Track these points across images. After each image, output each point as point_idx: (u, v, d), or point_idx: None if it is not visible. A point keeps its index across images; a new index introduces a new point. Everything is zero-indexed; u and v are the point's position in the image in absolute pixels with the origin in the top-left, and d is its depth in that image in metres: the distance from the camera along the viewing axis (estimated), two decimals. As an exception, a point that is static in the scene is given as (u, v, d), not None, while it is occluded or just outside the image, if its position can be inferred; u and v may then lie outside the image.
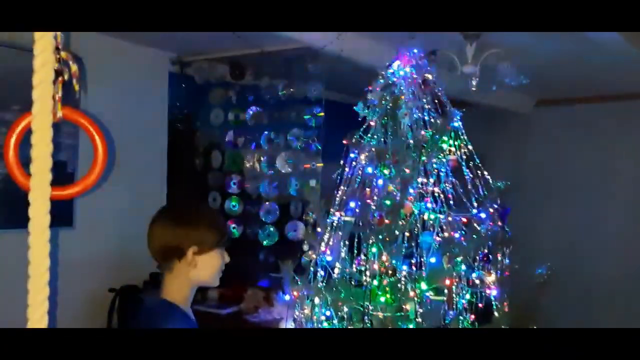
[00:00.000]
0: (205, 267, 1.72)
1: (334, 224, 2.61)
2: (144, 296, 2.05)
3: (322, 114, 3.63)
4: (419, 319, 2.43)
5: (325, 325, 2.54)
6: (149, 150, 4.11)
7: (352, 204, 2.54)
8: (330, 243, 2.61)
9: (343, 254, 2.57)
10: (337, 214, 2.58)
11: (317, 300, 2.53)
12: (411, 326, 2.44)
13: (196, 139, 4.19)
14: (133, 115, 3.94)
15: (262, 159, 3.89)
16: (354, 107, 2.64)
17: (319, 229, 2.71)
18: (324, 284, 2.55)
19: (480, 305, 2.47)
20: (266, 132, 3.84)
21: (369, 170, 2.59)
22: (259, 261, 3.79)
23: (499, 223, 2.55)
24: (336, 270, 2.57)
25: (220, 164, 4.08)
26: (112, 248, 4.00)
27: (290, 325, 2.73)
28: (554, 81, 4.27)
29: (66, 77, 1.02)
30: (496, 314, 2.41)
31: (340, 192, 2.62)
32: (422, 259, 2.54)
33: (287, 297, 2.58)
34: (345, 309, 2.52)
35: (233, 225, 4.02)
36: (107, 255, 3.98)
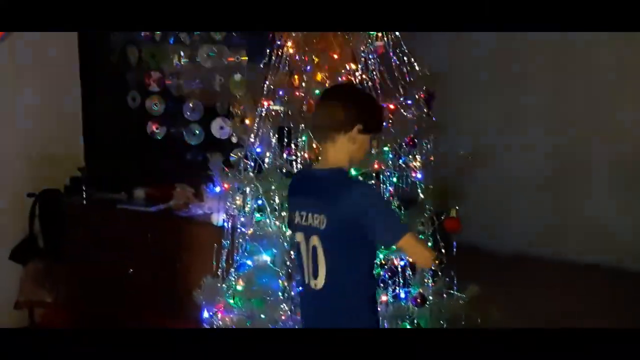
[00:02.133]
0: (361, 146, 1.84)
1: (263, 114, 2.58)
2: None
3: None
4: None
5: (257, 216, 2.57)
6: (60, 46, 3.83)
7: (280, 92, 2.51)
8: (260, 134, 2.59)
9: (273, 144, 2.56)
10: (266, 103, 2.54)
11: (248, 190, 2.54)
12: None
13: (110, 34, 3.91)
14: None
15: (182, 53, 3.71)
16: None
17: (247, 122, 2.67)
18: (254, 175, 2.55)
19: (406, 188, 2.58)
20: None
21: (297, 58, 2.54)
22: (185, 160, 3.72)
23: (425, 109, 2.60)
24: (266, 161, 2.57)
25: (138, 60, 3.86)
26: (27, 150, 3.79)
27: (222, 217, 2.74)
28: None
29: None
30: (421, 195, 2.52)
31: (267, 82, 2.57)
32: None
33: (217, 189, 2.57)
34: (277, 200, 2.56)
35: (156, 127, 3.89)
36: (24, 159, 3.77)
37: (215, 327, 2.32)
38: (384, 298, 2.54)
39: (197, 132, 3.68)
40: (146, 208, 3.37)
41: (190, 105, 3.73)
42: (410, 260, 2.00)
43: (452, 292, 2.46)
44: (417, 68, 2.56)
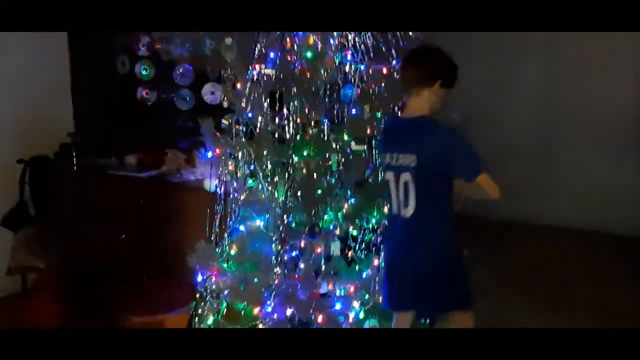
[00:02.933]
0: (439, 99, 2.19)
1: (254, 79, 2.55)
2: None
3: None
4: (341, 169, 2.51)
5: (250, 182, 2.56)
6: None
7: (271, 55, 2.47)
8: (251, 98, 2.57)
9: (264, 109, 2.54)
10: (257, 67, 2.51)
11: (239, 155, 2.53)
12: (332, 180, 2.51)
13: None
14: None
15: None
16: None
17: (238, 86, 2.64)
18: (246, 140, 2.53)
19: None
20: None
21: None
22: (176, 126, 3.68)
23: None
24: (258, 126, 2.55)
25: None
26: (17, 118, 3.74)
27: (214, 183, 2.73)
28: None
29: None
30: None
31: (258, 45, 2.53)
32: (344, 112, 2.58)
33: (209, 155, 2.56)
34: (269, 165, 2.55)
35: (146, 92, 3.83)
36: (12, 125, 3.72)
37: (209, 291, 2.34)
38: (375, 262, 2.58)
39: (188, 97, 3.63)
40: (137, 174, 3.35)
41: (180, 70, 3.68)
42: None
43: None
44: (410, 32, 2.53)
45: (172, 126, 3.66)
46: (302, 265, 2.42)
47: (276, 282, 2.38)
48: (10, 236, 3.73)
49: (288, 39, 2.48)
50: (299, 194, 2.47)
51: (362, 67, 2.56)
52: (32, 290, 3.76)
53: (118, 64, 3.86)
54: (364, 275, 2.55)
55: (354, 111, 2.59)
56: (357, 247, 2.57)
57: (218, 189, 2.58)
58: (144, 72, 3.79)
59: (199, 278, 2.40)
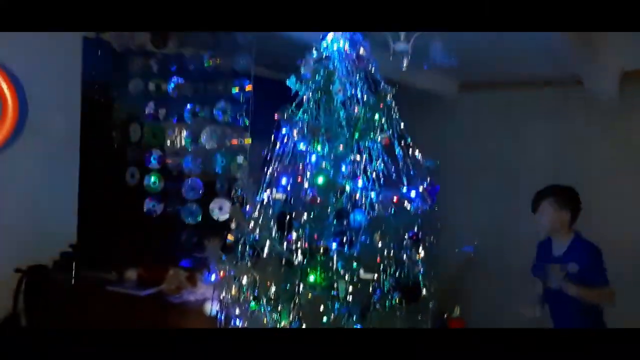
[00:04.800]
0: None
1: (264, 202, 2.53)
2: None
3: (250, 87, 3.50)
4: (349, 298, 2.42)
5: (253, 304, 2.46)
6: (61, 120, 3.82)
7: (284, 180, 2.47)
8: (260, 222, 2.53)
9: (273, 233, 2.49)
10: (268, 191, 2.50)
11: (244, 280, 2.45)
12: (338, 307, 2.42)
13: (113, 110, 3.92)
14: (44, 81, 3.64)
15: (184, 133, 3.71)
16: (286, 81, 2.55)
17: (247, 207, 2.62)
18: (251, 263, 2.47)
19: (408, 284, 2.49)
20: (190, 105, 3.66)
21: (301, 146, 2.52)
22: (180, 241, 3.63)
23: (428, 200, 2.56)
24: (265, 249, 2.49)
25: (140, 137, 3.85)
26: (20, 223, 3.69)
27: (216, 307, 2.63)
28: (476, 64, 4.37)
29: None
30: (424, 292, 2.43)
31: (270, 169, 2.54)
32: (353, 238, 2.52)
33: (212, 277, 2.48)
34: (273, 289, 2.46)
35: (152, 203, 3.83)
36: (13, 231, 3.67)
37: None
38: None
39: (195, 211, 3.61)
40: (136, 291, 3.24)
41: (189, 183, 3.69)
42: None
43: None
44: (421, 160, 2.54)
45: (177, 241, 3.60)
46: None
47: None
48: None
49: (301, 165, 2.48)
50: (303, 320, 2.36)
51: (373, 194, 2.55)
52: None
53: (127, 176, 3.90)
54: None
55: (363, 238, 2.54)
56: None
57: (219, 314, 2.47)
58: (152, 185, 3.81)
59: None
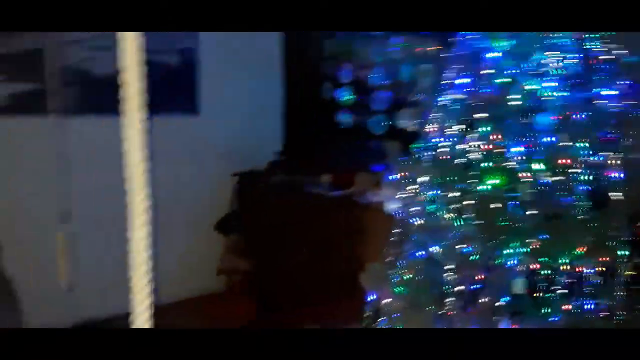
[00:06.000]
0: None
1: (445, 104, 2.53)
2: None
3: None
4: (528, 200, 2.34)
5: (430, 207, 2.53)
6: (265, 41, 4.19)
7: (464, 80, 2.43)
8: (440, 124, 2.55)
9: (454, 134, 2.49)
10: (448, 92, 2.49)
11: (423, 180, 2.52)
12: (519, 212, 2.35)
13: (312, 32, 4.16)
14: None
15: (372, 46, 3.78)
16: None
17: (428, 111, 2.64)
18: (431, 165, 2.52)
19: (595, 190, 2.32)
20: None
21: (482, 44, 2.43)
22: (369, 149, 3.80)
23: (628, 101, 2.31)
24: (444, 152, 2.51)
25: (333, 53, 4.04)
26: (234, 135, 4.22)
27: (396, 205, 2.75)
28: None
29: None
30: (615, 196, 2.24)
31: (450, 70, 2.51)
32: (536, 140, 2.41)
33: (392, 177, 2.59)
34: (452, 192, 2.49)
35: (345, 115, 4.03)
36: (228, 142, 4.22)
37: (378, 312, 2.35)
38: (565, 307, 2.33)
39: (382, 121, 3.72)
40: (330, 192, 3.53)
41: (378, 96, 3.79)
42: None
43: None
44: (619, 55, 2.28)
45: (366, 149, 3.78)
46: (478, 300, 2.30)
47: (449, 313, 2.30)
48: (222, 240, 4.21)
49: (483, 64, 2.41)
50: (480, 223, 2.36)
51: (561, 94, 2.37)
52: (234, 291, 4.18)
53: (324, 89, 4.16)
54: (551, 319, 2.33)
55: (550, 139, 2.40)
56: (546, 288, 2.36)
57: (398, 213, 2.59)
58: (344, 98, 4.00)
59: (370, 298, 2.43)
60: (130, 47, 0.91)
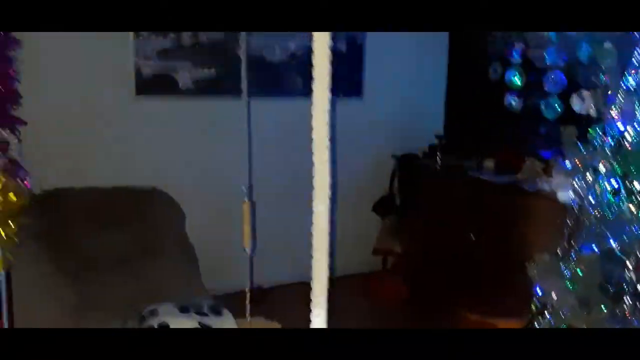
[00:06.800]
0: None
1: (631, 87, 2.30)
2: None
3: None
4: None
5: (610, 198, 2.33)
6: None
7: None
8: (625, 108, 2.33)
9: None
10: (633, 72, 2.26)
11: (602, 169, 2.33)
12: None
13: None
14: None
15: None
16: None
17: (610, 94, 2.43)
18: (612, 153, 2.32)
19: None
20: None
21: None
22: (539, 134, 3.59)
23: None
24: (629, 139, 2.30)
25: (503, 32, 3.86)
26: (395, 117, 4.25)
27: (570, 195, 2.58)
28: None
29: None
30: None
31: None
32: None
33: (568, 164, 2.43)
34: (636, 184, 2.27)
35: (513, 97, 3.85)
36: (389, 125, 4.25)
37: (547, 306, 2.24)
38: None
39: (556, 105, 3.50)
40: (494, 178, 3.41)
41: (552, 77, 3.56)
42: None
43: None
44: None
45: (535, 134, 3.59)
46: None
47: (626, 314, 2.12)
48: (379, 221, 4.27)
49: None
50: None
51: None
52: (388, 271, 4.24)
53: (491, 70, 4.00)
54: None
55: None
56: None
57: (573, 203, 2.43)
58: (514, 79, 3.81)
59: (538, 291, 2.33)
60: (321, 35, 0.96)
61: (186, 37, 3.59)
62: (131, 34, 3.42)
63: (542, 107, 3.62)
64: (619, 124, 2.33)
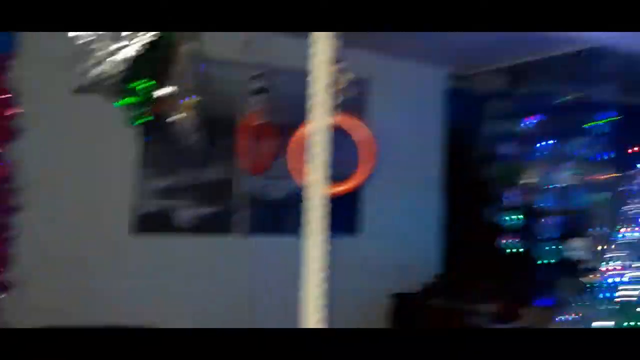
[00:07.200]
0: None
1: (622, 242, 2.32)
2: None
3: (616, 118, 3.26)
4: None
5: None
6: (425, 164, 4.24)
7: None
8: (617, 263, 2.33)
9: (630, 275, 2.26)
10: (625, 229, 2.29)
11: (597, 325, 2.28)
12: None
13: (473, 151, 4.16)
14: (410, 130, 4.10)
15: (542, 170, 3.66)
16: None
17: (604, 247, 2.44)
18: (607, 307, 2.28)
19: None
20: (547, 142, 3.60)
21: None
22: (535, 279, 3.55)
23: None
24: (623, 293, 2.27)
25: (498, 176, 3.97)
26: (390, 255, 4.22)
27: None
28: None
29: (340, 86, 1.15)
30: None
31: (630, 206, 2.32)
32: None
33: (564, 318, 2.38)
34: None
35: (511, 240, 3.87)
36: (385, 263, 4.21)
37: None
38: None
39: (551, 250, 3.51)
40: (491, 324, 3.31)
41: (549, 222, 3.61)
42: None
43: None
44: None
45: (531, 279, 3.55)
46: None
47: None
48: None
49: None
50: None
51: None
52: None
53: (485, 213, 4.04)
54: None
55: None
56: None
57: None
58: (510, 222, 3.85)
59: None
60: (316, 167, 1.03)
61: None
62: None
63: (538, 251, 3.62)
64: (613, 278, 2.32)
